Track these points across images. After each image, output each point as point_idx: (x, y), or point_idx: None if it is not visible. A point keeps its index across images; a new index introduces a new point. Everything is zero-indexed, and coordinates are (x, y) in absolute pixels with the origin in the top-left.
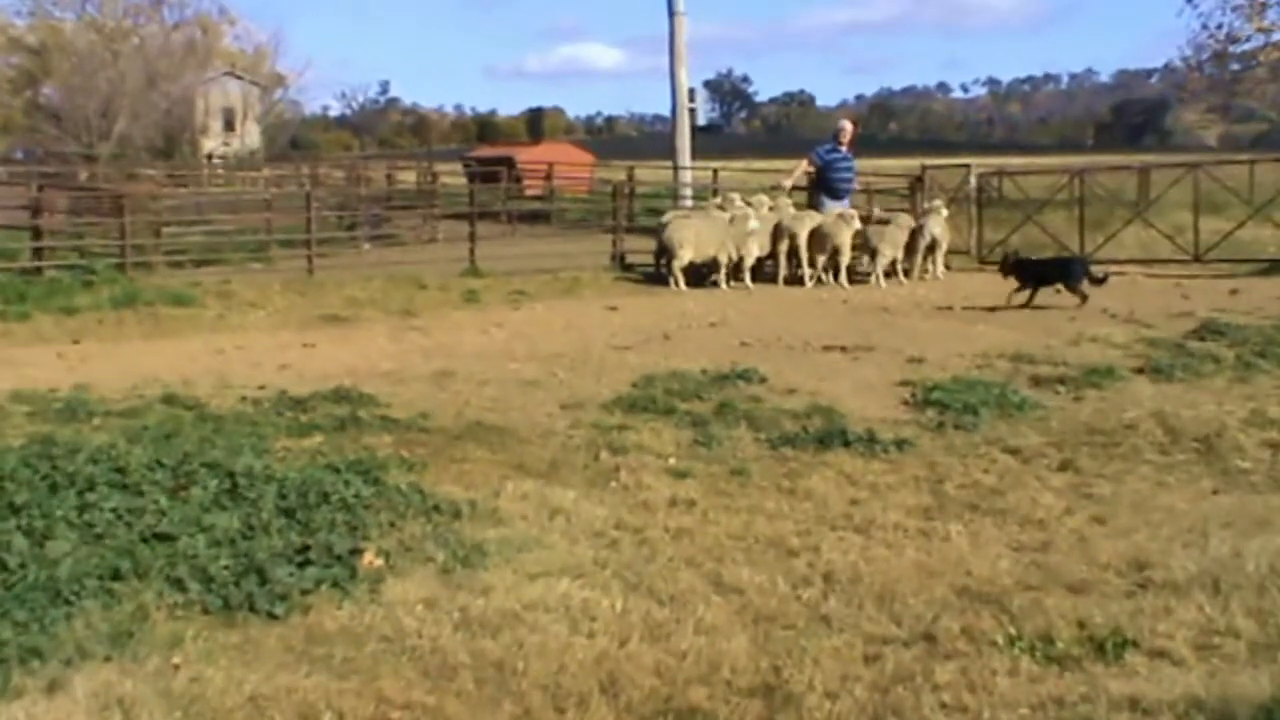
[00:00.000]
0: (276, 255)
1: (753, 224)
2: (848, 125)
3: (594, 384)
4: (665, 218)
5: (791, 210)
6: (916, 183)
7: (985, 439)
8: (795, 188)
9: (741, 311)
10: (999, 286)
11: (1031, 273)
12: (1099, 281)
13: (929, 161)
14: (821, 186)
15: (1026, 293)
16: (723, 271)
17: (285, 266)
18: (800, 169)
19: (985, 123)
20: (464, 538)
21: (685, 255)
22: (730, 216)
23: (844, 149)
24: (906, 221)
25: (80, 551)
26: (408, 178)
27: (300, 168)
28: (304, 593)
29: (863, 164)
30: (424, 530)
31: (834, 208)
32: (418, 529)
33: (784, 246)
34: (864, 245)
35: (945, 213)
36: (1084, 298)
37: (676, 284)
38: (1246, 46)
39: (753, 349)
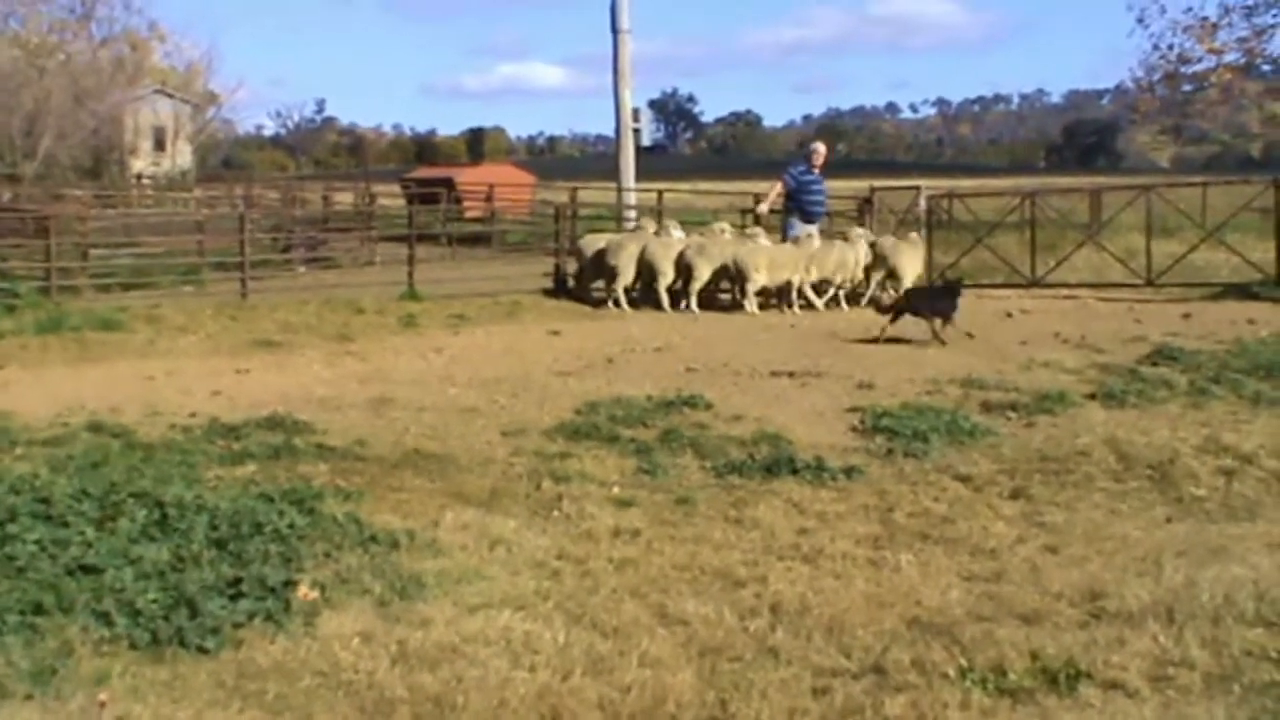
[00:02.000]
0: (208, 278)
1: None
2: (821, 147)
3: (536, 410)
4: (588, 240)
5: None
6: (865, 204)
7: (936, 466)
8: (771, 210)
9: (687, 336)
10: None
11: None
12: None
13: (878, 183)
14: (794, 209)
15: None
16: (663, 293)
17: (217, 290)
18: (775, 191)
19: (935, 143)
20: (402, 569)
21: (628, 276)
22: (676, 238)
23: (816, 171)
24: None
25: (1, 586)
26: (344, 199)
27: (233, 188)
28: (236, 626)
29: None
30: (360, 561)
31: (804, 230)
32: (354, 560)
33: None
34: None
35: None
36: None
37: (621, 306)
38: (1198, 68)
39: (699, 375)
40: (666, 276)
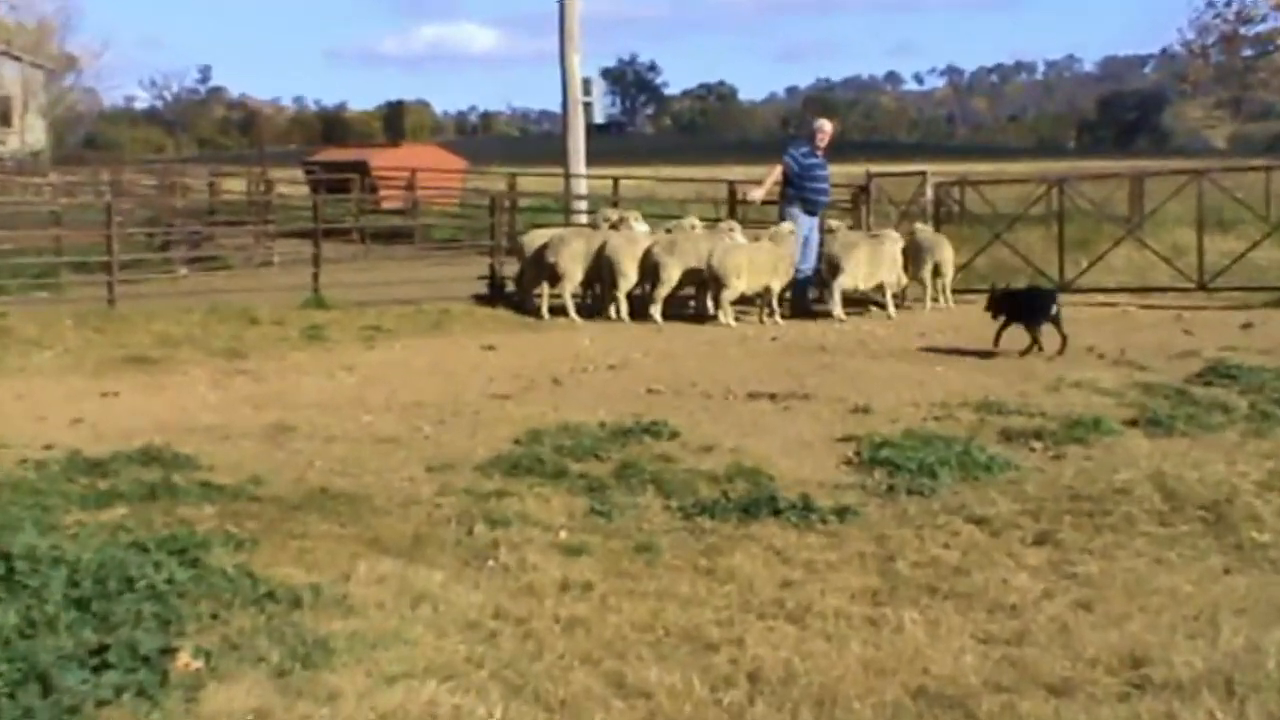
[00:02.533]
0: (68, 282)
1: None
2: (826, 125)
3: (467, 441)
4: (531, 237)
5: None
6: (861, 193)
7: (945, 507)
8: (766, 201)
9: (649, 351)
10: (960, 320)
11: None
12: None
13: (876, 168)
14: (793, 197)
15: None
16: (622, 299)
17: (79, 295)
18: (774, 176)
19: (944, 121)
20: (305, 632)
21: (576, 278)
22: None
23: (820, 154)
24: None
25: None
26: (235, 186)
27: (99, 173)
28: (100, 704)
29: None
30: (255, 623)
31: (806, 223)
32: (247, 622)
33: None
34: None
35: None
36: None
37: (569, 315)
38: (1262, 28)
39: (662, 397)
40: (628, 279)
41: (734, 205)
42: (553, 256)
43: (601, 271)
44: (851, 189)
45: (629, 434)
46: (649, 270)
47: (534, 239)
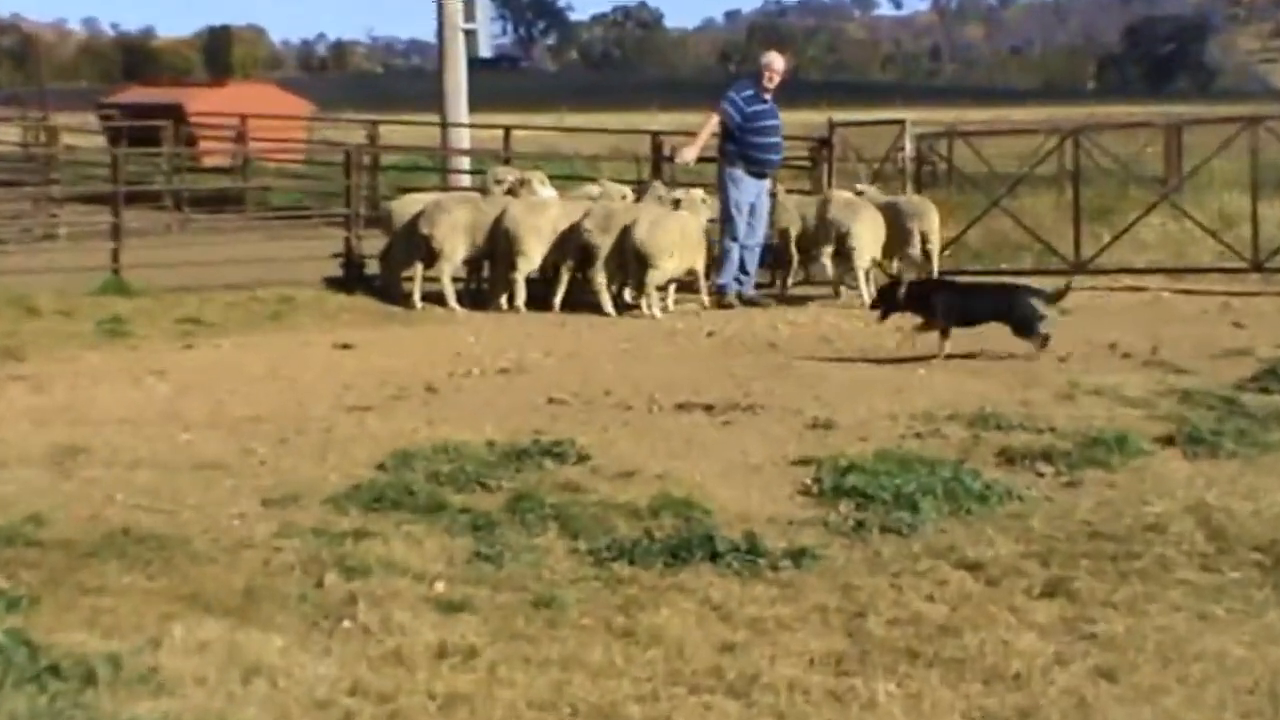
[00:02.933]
0: None
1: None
2: (776, 62)
3: (316, 466)
4: (402, 204)
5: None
6: (821, 149)
7: (929, 548)
8: (703, 158)
9: (551, 350)
10: None
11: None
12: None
13: (841, 115)
14: (735, 156)
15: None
16: (519, 285)
17: None
18: (708, 128)
19: (928, 55)
20: (101, 717)
21: (458, 256)
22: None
23: (768, 98)
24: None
25: None
26: (6, 135)
27: None
28: None
29: None
30: (34, 705)
31: (751, 189)
32: (22, 703)
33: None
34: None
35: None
36: (1043, 341)
37: (447, 304)
38: None
39: (569, 409)
40: (529, 260)
41: (659, 163)
42: (429, 229)
43: (495, 250)
44: (809, 143)
45: (525, 456)
46: (574, 251)
47: (405, 207)
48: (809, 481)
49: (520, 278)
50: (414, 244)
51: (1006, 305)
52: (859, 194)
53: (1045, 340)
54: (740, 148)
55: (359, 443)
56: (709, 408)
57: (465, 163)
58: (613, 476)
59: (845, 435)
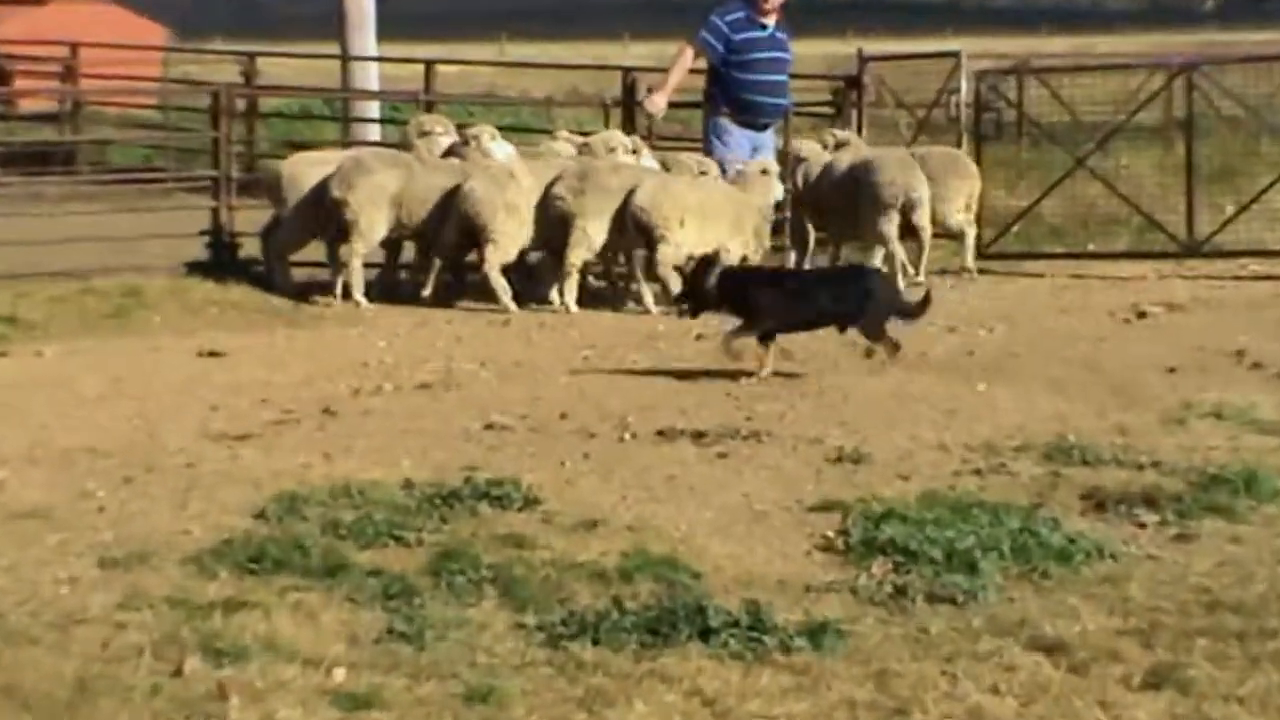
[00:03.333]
0: None
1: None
2: None
3: (172, 515)
4: (297, 164)
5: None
6: (848, 89)
7: (993, 623)
8: (676, 104)
9: (488, 359)
10: (1013, 303)
11: (778, 302)
12: (918, 312)
13: (874, 46)
14: (721, 100)
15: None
16: (496, 277)
17: None
18: (680, 66)
19: None
20: None
21: (374, 235)
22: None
23: (768, 22)
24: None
25: None
26: None
27: None
28: None
29: None
30: None
31: (744, 146)
32: None
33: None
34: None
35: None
36: (894, 347)
37: (353, 298)
38: None
39: (512, 436)
40: (501, 248)
41: (631, 110)
42: (343, 193)
43: (448, 229)
44: (832, 84)
45: (454, 500)
46: (549, 225)
47: (299, 169)
48: (832, 534)
49: (494, 266)
50: (314, 216)
51: (855, 300)
52: (839, 146)
53: (897, 346)
54: (728, 90)
55: (231, 483)
56: (699, 435)
57: (373, 109)
58: (571, 527)
59: (880, 472)
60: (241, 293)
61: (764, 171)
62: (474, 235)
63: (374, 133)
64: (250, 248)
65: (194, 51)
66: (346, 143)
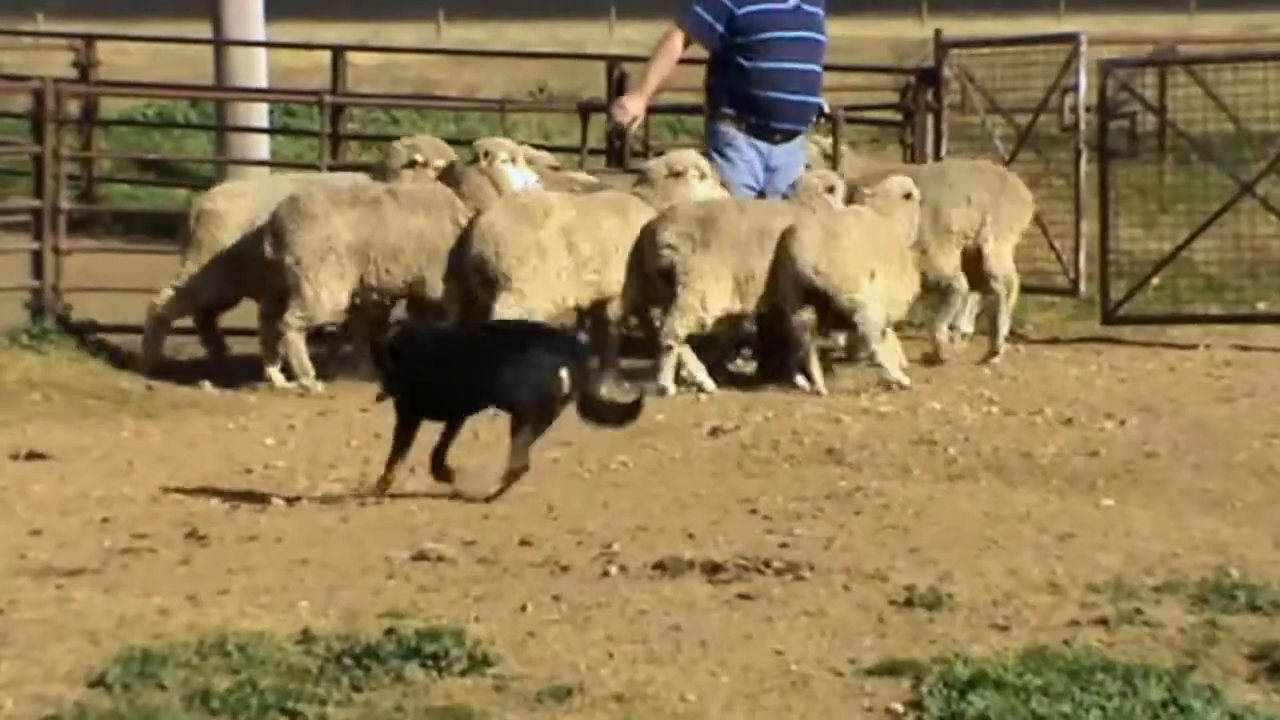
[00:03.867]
0: None
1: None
2: None
3: None
4: (232, 195)
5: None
6: (922, 86)
7: None
8: (652, 109)
9: (415, 460)
10: (1154, 382)
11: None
12: (610, 417)
13: (956, 28)
14: (726, 97)
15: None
16: None
17: None
18: (665, 58)
19: None
20: None
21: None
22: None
23: None
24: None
25: None
26: None
27: None
28: None
29: None
30: None
31: (755, 161)
32: None
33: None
34: None
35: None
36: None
37: (300, 381)
38: None
39: (452, 570)
40: (524, 295)
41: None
42: (275, 249)
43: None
44: (900, 78)
45: (372, 660)
46: (649, 278)
47: (232, 203)
48: (900, 707)
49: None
50: (238, 273)
51: (500, 372)
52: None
53: (521, 474)
54: (733, 85)
55: (58, 636)
56: (714, 569)
57: (259, 114)
58: (535, 697)
59: (967, 620)
60: (74, 371)
61: (908, 196)
62: (491, 286)
63: (260, 147)
64: (87, 307)
65: (8, 34)
66: (222, 157)
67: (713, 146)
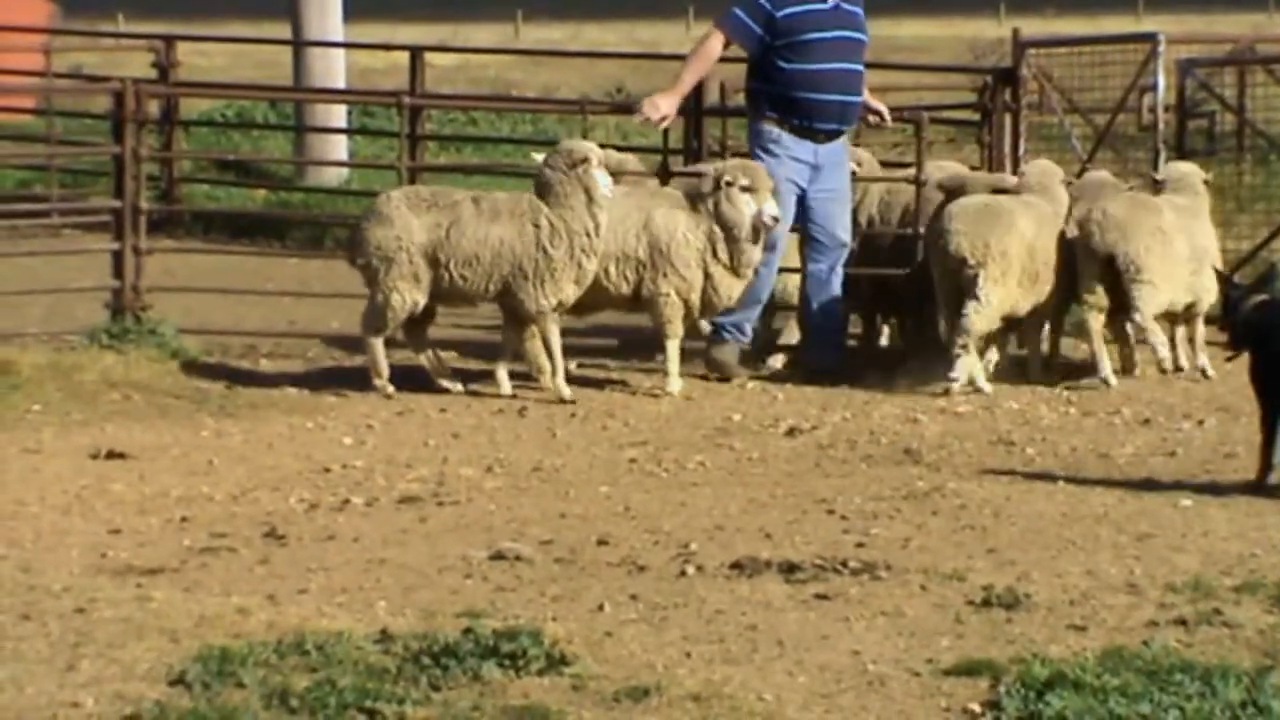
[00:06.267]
0: None
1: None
2: None
3: (54, 681)
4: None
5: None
6: (997, 86)
7: None
8: (702, 110)
9: (496, 462)
10: (1226, 390)
11: None
12: None
13: (1035, 28)
14: (767, 99)
15: None
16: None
17: None
18: (703, 59)
19: None
20: None
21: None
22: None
23: None
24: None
25: None
26: None
27: None
28: None
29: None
30: None
31: (804, 161)
32: None
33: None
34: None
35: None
36: None
37: (379, 377)
38: None
39: (529, 570)
40: (676, 302)
41: (699, 117)
42: (355, 250)
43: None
44: (977, 78)
45: (450, 659)
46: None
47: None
48: (978, 707)
49: (674, 340)
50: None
51: None
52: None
53: None
54: (773, 88)
55: (138, 636)
56: (790, 569)
57: (338, 114)
58: (612, 696)
59: (1044, 621)
60: (154, 370)
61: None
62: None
63: (339, 148)
64: (165, 306)
65: (89, 35)
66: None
67: (758, 145)
